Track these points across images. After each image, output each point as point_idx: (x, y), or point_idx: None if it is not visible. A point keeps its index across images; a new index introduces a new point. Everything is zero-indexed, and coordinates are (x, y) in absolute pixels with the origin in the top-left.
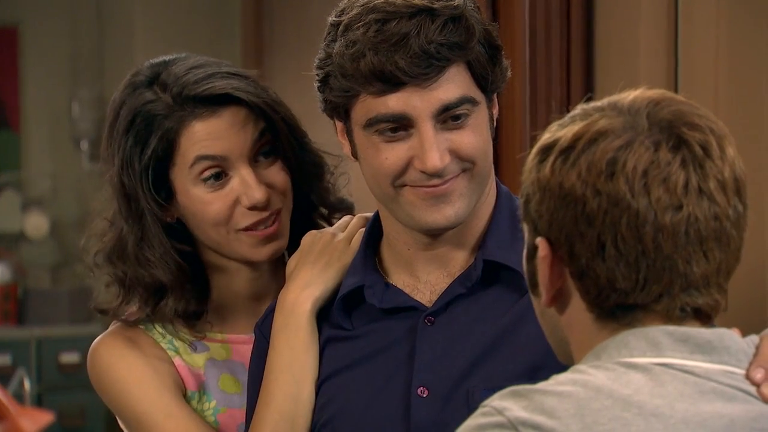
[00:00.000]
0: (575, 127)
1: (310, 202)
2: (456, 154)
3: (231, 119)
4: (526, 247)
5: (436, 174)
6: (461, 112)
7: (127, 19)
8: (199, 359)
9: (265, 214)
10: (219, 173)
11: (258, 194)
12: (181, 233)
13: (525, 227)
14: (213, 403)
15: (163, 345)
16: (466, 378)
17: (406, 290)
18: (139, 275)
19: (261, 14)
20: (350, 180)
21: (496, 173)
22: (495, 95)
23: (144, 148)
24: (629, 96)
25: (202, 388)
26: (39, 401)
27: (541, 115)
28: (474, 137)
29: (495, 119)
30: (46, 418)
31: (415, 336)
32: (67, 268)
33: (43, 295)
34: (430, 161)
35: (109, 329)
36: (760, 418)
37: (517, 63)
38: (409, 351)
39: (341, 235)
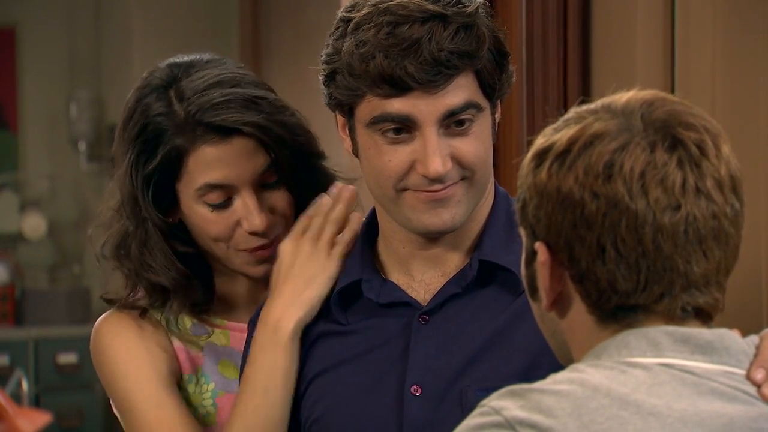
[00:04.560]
0: (570, 131)
1: None
2: (457, 161)
3: (240, 148)
4: (524, 252)
5: (438, 179)
6: (465, 117)
7: (125, 20)
8: (199, 343)
9: (265, 240)
10: (223, 199)
11: (258, 221)
12: (184, 233)
13: (522, 232)
14: (211, 386)
15: (165, 325)
16: (460, 377)
17: (402, 288)
18: (142, 276)
19: (258, 17)
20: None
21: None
22: (499, 101)
23: (151, 158)
24: (622, 98)
25: (199, 372)
26: (37, 402)
27: (538, 119)
28: (476, 145)
29: (497, 124)
30: (43, 418)
31: (410, 334)
32: (65, 268)
33: (40, 295)
34: (432, 166)
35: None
36: (759, 418)
37: (513, 66)
38: (403, 349)
39: (321, 244)
